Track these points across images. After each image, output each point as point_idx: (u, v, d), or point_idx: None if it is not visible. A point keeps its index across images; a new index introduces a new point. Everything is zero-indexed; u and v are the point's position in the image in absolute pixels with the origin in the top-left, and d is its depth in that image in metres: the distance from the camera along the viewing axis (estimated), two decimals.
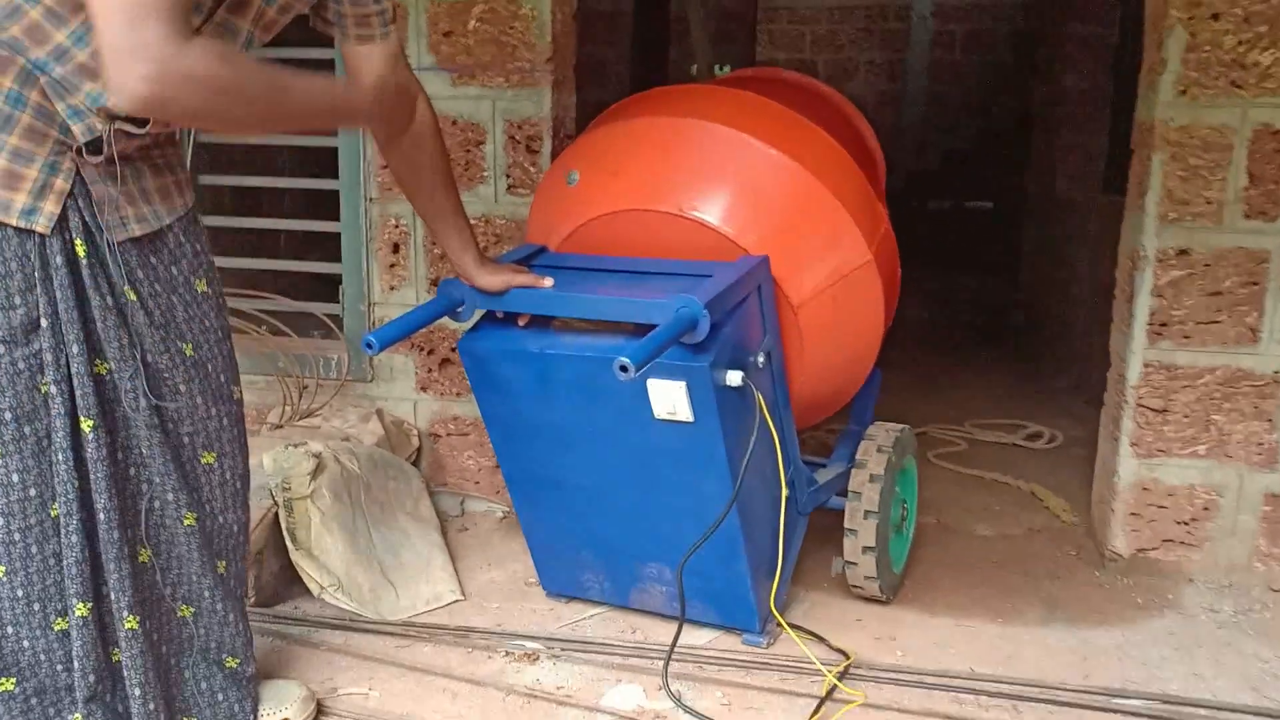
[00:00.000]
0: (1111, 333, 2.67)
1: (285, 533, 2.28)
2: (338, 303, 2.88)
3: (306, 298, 2.98)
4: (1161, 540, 2.55)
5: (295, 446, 2.41)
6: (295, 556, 2.27)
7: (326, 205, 2.91)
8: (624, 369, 1.63)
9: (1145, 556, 2.56)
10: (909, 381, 4.34)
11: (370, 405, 2.88)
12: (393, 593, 2.35)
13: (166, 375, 1.66)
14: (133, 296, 1.60)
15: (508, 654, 2.17)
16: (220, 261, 3.06)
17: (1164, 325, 2.45)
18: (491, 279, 1.95)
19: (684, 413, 1.91)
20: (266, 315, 2.93)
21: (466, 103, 2.70)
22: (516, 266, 2.00)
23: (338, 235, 2.85)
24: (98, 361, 1.60)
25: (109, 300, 1.58)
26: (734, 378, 1.91)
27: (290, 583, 2.35)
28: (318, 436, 2.61)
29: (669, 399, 1.90)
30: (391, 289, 2.84)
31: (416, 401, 2.89)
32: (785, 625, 2.14)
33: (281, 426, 2.77)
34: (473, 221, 2.71)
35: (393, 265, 2.81)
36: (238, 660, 1.82)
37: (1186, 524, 2.53)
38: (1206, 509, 2.51)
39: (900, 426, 2.44)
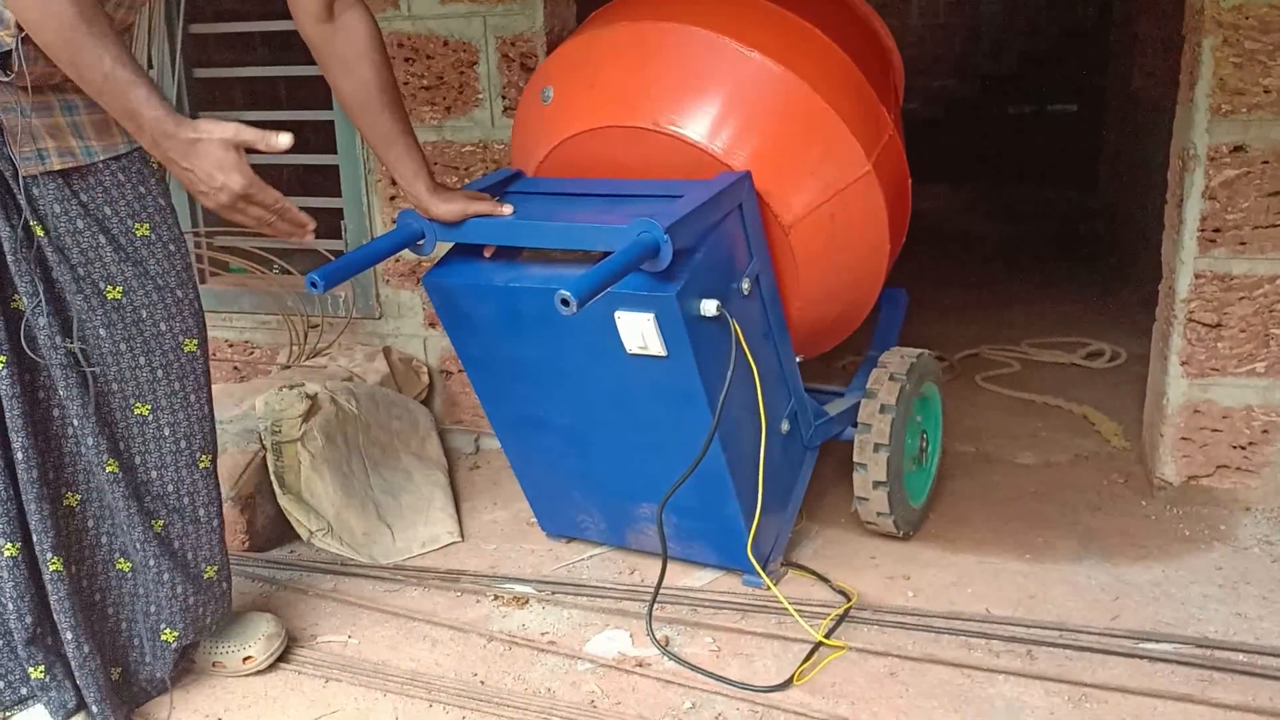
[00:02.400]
0: (1163, 241, 2.42)
1: (273, 477, 2.24)
2: (341, 239, 2.80)
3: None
4: (1215, 466, 2.33)
5: (290, 388, 2.35)
6: (283, 501, 2.23)
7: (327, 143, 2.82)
8: (565, 302, 1.50)
9: (1197, 484, 2.35)
10: (969, 301, 4.11)
11: (380, 343, 2.81)
12: (389, 535, 2.30)
13: (84, 317, 1.59)
14: (40, 232, 1.54)
15: (497, 597, 2.10)
16: None
17: (1217, 231, 2.20)
18: (446, 207, 1.82)
19: (655, 347, 1.77)
20: (273, 254, 2.88)
21: (456, 21, 2.55)
22: (474, 193, 1.88)
23: (337, 169, 2.76)
24: (15, 297, 1.55)
25: (18, 232, 1.52)
26: (709, 307, 1.76)
27: (286, 527, 2.32)
28: (322, 376, 2.56)
29: (639, 332, 1.77)
30: (394, 222, 2.74)
31: (426, 338, 2.82)
32: (761, 571, 2.01)
33: (289, 367, 2.73)
34: (468, 148, 2.62)
35: (393, 198, 2.72)
36: (175, 634, 1.75)
37: (1243, 449, 2.30)
38: (1266, 432, 2.28)
39: (917, 352, 2.26)
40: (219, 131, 1.44)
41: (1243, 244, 2.19)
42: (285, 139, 1.45)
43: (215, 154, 1.44)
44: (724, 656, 1.88)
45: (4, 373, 1.53)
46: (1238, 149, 2.15)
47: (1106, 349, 3.39)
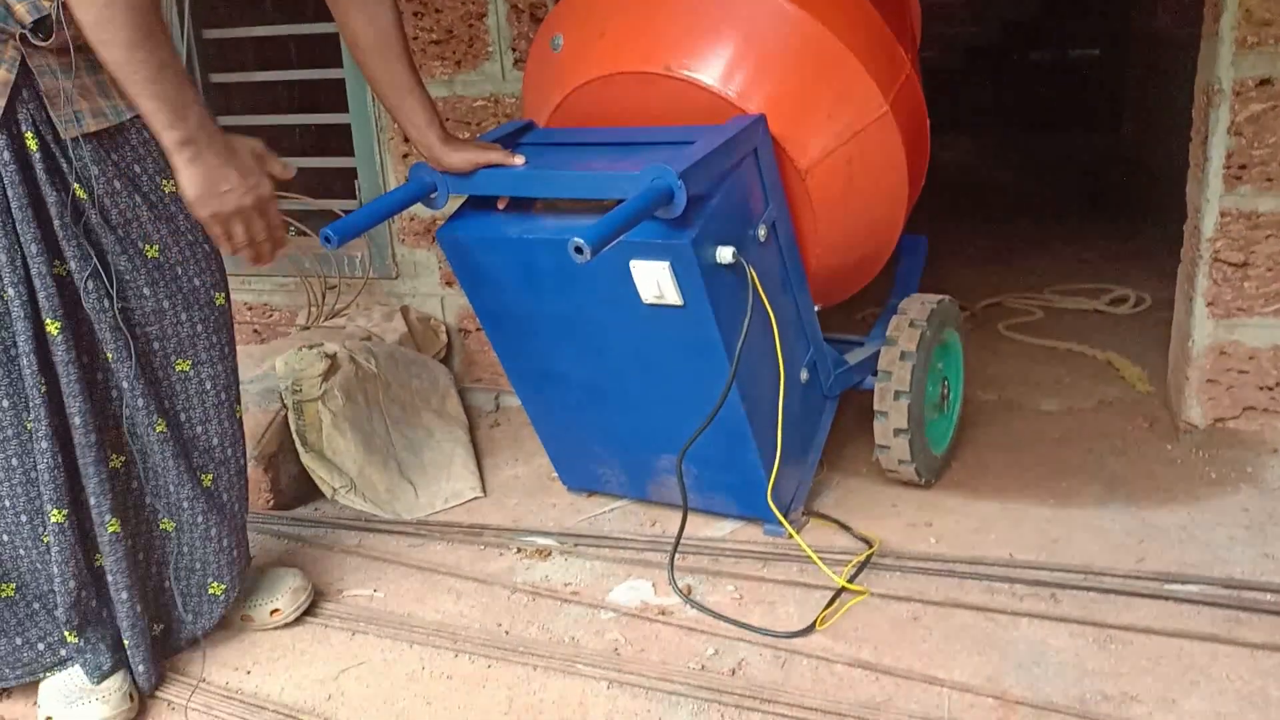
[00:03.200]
0: (1188, 180, 2.37)
1: (295, 435, 2.25)
2: (355, 198, 2.80)
3: (328, 196, 2.91)
4: (1242, 408, 2.30)
5: (310, 348, 2.36)
6: (305, 459, 2.25)
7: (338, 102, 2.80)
8: (579, 250, 1.48)
9: (1224, 427, 2.32)
10: (992, 249, 4.07)
11: (397, 303, 2.82)
12: (411, 492, 2.32)
13: (129, 278, 1.60)
14: (83, 195, 1.54)
15: (519, 550, 2.11)
16: None
17: (1243, 168, 2.16)
18: (458, 157, 1.81)
19: (672, 296, 1.76)
20: (289, 217, 2.88)
21: None
22: (486, 144, 1.86)
23: (349, 128, 2.75)
24: (57, 263, 1.55)
25: (65, 198, 1.53)
26: (725, 254, 1.75)
27: (311, 485, 2.33)
28: (340, 337, 2.56)
29: (654, 281, 1.75)
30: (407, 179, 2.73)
31: (443, 297, 2.82)
32: (782, 518, 2.00)
33: (308, 328, 2.74)
34: (480, 102, 2.60)
35: (406, 155, 2.70)
36: (223, 587, 1.79)
37: (1271, 389, 2.27)
38: None
39: (938, 298, 2.23)
40: (251, 141, 1.55)
41: (1269, 180, 2.15)
42: (292, 170, 1.60)
43: (249, 159, 1.51)
44: (746, 604, 1.89)
45: (60, 339, 1.54)
46: (1264, 82, 2.10)
47: (1130, 294, 3.35)
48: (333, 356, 2.35)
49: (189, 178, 1.45)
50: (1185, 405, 2.35)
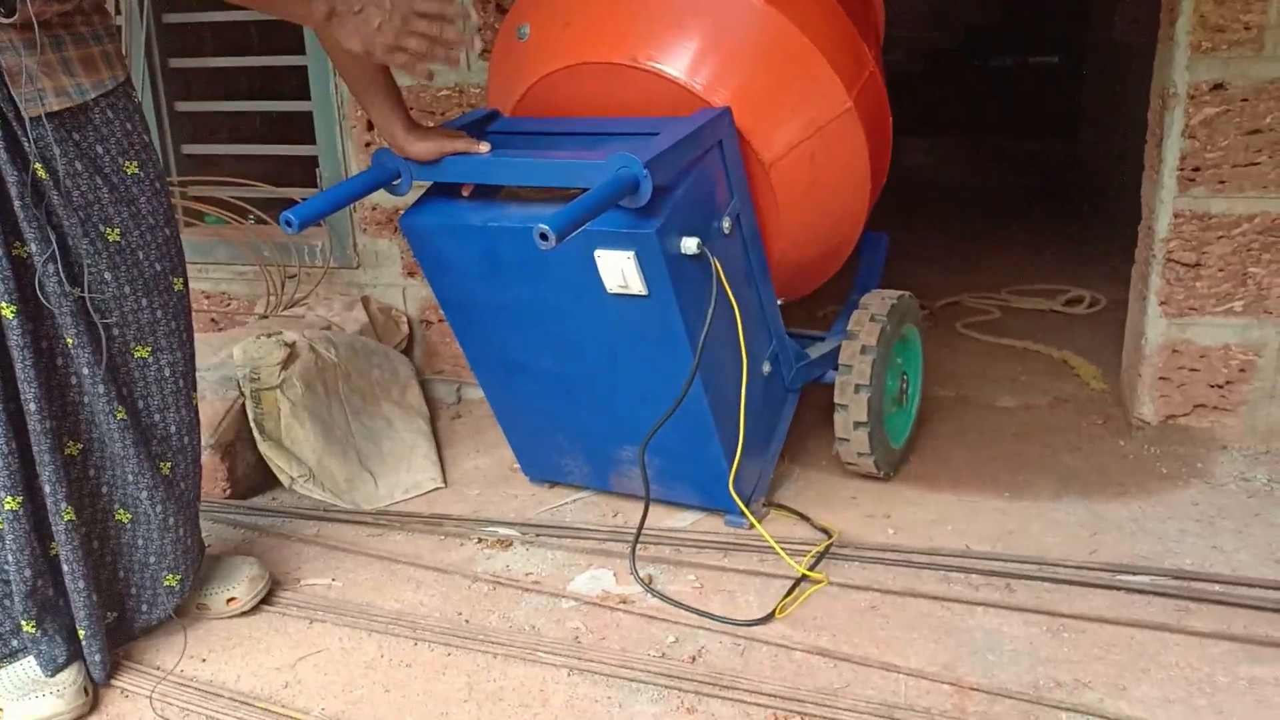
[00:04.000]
0: (1143, 182, 2.42)
1: (252, 424, 2.23)
2: (316, 186, 2.77)
3: (291, 185, 2.88)
4: (1193, 406, 2.35)
5: (268, 336, 2.34)
6: (263, 448, 2.22)
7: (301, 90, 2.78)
8: (544, 236, 1.48)
9: (1175, 424, 2.37)
10: (951, 251, 4.12)
11: (358, 293, 2.79)
12: (371, 482, 2.30)
13: (89, 262, 1.57)
14: (44, 175, 1.51)
15: (480, 540, 2.10)
16: (192, 149, 2.99)
17: (1196, 170, 2.21)
18: (422, 146, 1.80)
19: (636, 285, 1.76)
20: (249, 204, 2.85)
21: None
22: (451, 131, 1.85)
23: (311, 116, 2.72)
24: (16, 244, 1.52)
25: (25, 178, 1.49)
26: (689, 245, 1.75)
27: (268, 474, 2.31)
28: (300, 326, 2.54)
29: (618, 271, 1.76)
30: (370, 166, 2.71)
31: (405, 288, 2.80)
32: (744, 508, 2.02)
33: (266, 317, 2.71)
34: (444, 92, 2.58)
35: (368, 144, 2.68)
36: (178, 578, 1.76)
37: (1220, 387, 2.32)
38: (1243, 370, 2.30)
39: (898, 294, 2.26)
40: None
41: (1222, 183, 2.20)
42: None
43: None
44: (707, 593, 1.89)
45: (15, 322, 1.51)
46: (1217, 86, 2.15)
47: (1086, 295, 3.40)
48: (291, 345, 2.33)
49: (347, 38, 1.52)
50: (1138, 402, 2.39)
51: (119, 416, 1.63)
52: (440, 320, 2.78)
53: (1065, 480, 2.26)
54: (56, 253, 1.53)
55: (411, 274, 2.78)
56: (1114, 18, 4.43)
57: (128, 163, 1.62)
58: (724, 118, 1.85)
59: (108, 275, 1.60)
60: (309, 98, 2.70)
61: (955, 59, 7.10)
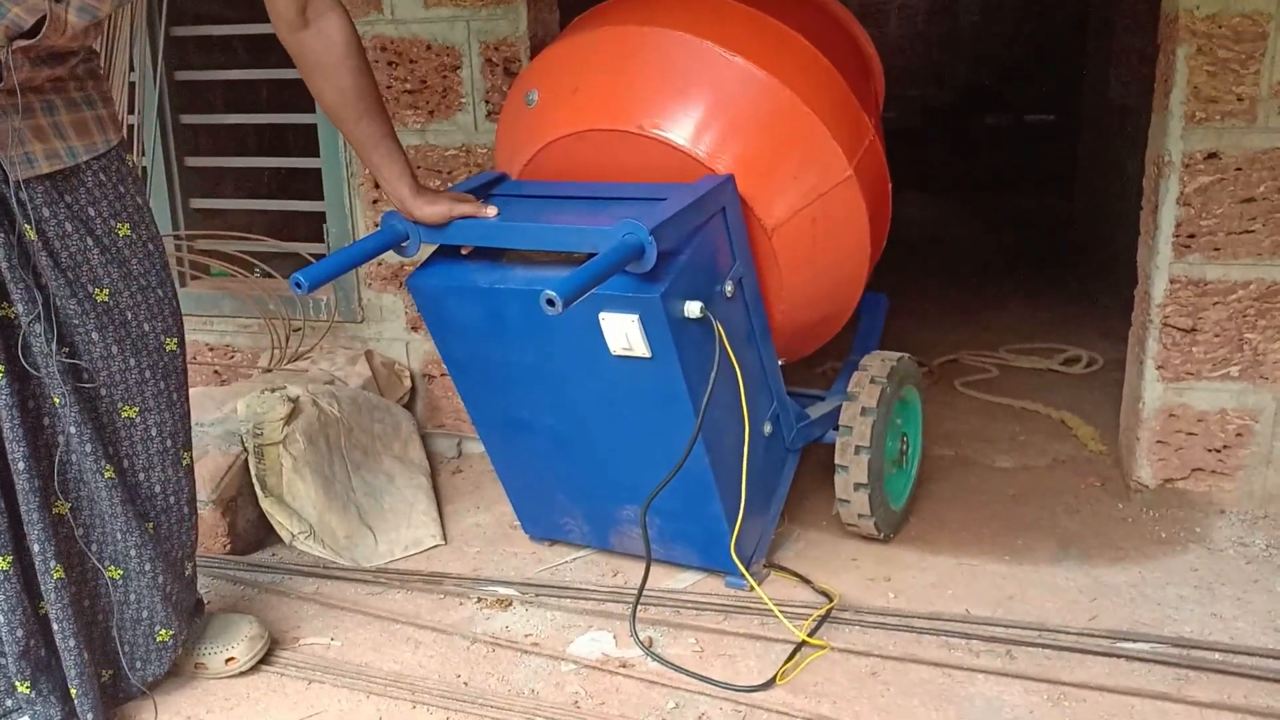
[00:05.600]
0: (1139, 248, 2.45)
1: (255, 480, 2.23)
2: (323, 242, 2.80)
3: (296, 239, 2.91)
4: (1191, 470, 2.36)
5: (272, 391, 2.35)
6: (265, 504, 2.23)
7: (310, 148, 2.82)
8: (551, 302, 1.51)
9: (1173, 487, 2.38)
10: (948, 307, 4.15)
11: (362, 347, 2.81)
12: (371, 538, 2.30)
13: (77, 323, 1.58)
14: (33, 236, 1.52)
15: (480, 600, 2.10)
16: (200, 203, 3.02)
17: (1191, 237, 2.24)
18: (430, 209, 1.83)
19: (640, 348, 1.78)
20: (255, 258, 2.88)
21: (440, 25, 2.56)
22: (459, 195, 1.88)
23: (320, 173, 2.76)
24: (3, 305, 1.53)
25: (12, 239, 1.51)
26: (692, 309, 1.78)
27: (269, 529, 2.31)
28: (303, 380, 2.55)
29: (622, 333, 1.78)
30: (376, 225, 2.74)
31: (408, 342, 2.82)
32: (745, 571, 2.02)
33: (270, 370, 2.72)
34: (452, 152, 2.62)
35: (376, 201, 2.72)
36: (170, 633, 1.76)
37: (1218, 451, 2.33)
38: (1240, 435, 2.31)
39: (898, 355, 2.28)
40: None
41: (1217, 250, 2.23)
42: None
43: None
44: (707, 657, 1.89)
45: (2, 383, 1.52)
46: (1211, 156, 2.18)
47: (1083, 355, 3.42)
48: (295, 400, 2.34)
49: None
50: (1136, 465, 2.41)
51: (106, 475, 1.63)
52: (442, 374, 2.80)
53: (1064, 543, 2.26)
54: (42, 313, 1.54)
55: (415, 328, 2.80)
56: (1109, 79, 4.50)
57: (120, 224, 1.64)
58: (727, 185, 1.88)
59: (95, 335, 1.60)
60: (318, 154, 2.74)
61: (951, 115, 7.20)
